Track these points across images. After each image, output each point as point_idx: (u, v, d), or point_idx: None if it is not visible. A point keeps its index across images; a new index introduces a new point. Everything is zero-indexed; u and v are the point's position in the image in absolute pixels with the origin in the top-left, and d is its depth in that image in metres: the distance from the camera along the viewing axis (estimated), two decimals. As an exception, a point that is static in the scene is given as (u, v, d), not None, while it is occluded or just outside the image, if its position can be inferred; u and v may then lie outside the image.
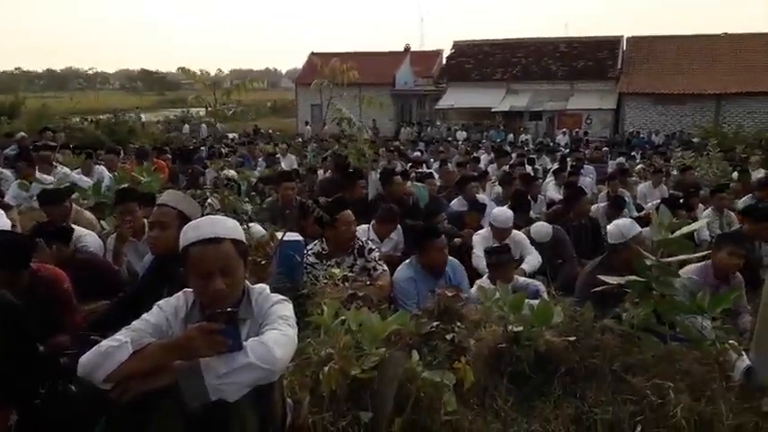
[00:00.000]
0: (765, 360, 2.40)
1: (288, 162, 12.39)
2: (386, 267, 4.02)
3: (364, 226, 5.26)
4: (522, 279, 4.06)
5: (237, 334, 1.71)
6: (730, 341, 2.54)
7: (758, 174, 9.75)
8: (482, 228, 5.85)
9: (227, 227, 1.92)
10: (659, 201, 6.67)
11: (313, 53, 30.45)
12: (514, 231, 5.26)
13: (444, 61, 34.65)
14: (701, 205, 7.36)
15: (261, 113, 44.47)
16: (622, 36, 31.18)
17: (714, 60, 29.14)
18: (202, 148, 16.13)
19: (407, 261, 4.11)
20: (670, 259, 2.69)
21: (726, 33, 30.71)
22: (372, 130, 28.58)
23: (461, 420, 2.15)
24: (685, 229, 2.67)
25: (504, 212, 5.27)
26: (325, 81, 2.86)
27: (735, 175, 9.89)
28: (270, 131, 29.84)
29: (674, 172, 10.80)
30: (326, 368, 1.98)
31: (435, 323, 2.46)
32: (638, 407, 2.26)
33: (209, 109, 3.26)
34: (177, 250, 1.92)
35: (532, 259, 5.06)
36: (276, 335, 1.77)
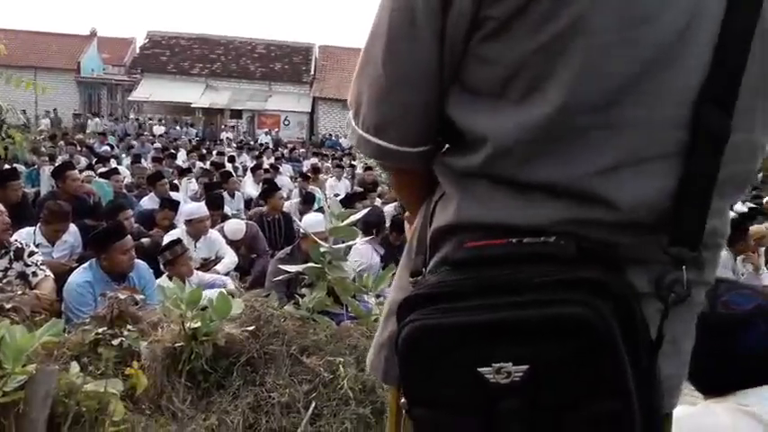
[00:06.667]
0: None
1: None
2: (49, 273, 3.54)
3: (30, 229, 4.58)
4: (208, 276, 4.00)
5: None
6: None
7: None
8: (174, 227, 5.61)
9: None
10: (344, 195, 7.34)
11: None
12: (210, 230, 5.19)
13: (138, 51, 32.19)
14: (378, 198, 8.33)
15: None
16: (315, 44, 33.15)
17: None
18: None
19: (86, 264, 3.68)
20: (340, 245, 2.96)
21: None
22: (52, 120, 25.11)
23: (132, 427, 2.00)
24: (352, 218, 2.96)
25: (198, 207, 5.32)
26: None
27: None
28: None
29: (359, 171, 12.01)
30: (-51, 397, 1.63)
31: (102, 329, 2.24)
32: (311, 385, 2.42)
33: None
34: None
35: (228, 261, 5.06)
36: None
